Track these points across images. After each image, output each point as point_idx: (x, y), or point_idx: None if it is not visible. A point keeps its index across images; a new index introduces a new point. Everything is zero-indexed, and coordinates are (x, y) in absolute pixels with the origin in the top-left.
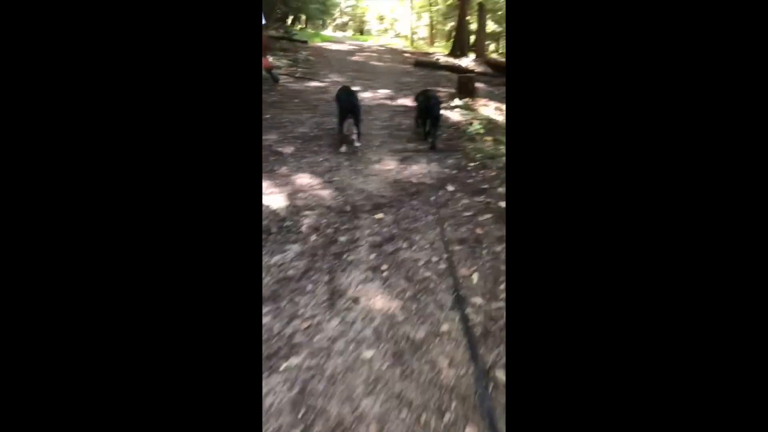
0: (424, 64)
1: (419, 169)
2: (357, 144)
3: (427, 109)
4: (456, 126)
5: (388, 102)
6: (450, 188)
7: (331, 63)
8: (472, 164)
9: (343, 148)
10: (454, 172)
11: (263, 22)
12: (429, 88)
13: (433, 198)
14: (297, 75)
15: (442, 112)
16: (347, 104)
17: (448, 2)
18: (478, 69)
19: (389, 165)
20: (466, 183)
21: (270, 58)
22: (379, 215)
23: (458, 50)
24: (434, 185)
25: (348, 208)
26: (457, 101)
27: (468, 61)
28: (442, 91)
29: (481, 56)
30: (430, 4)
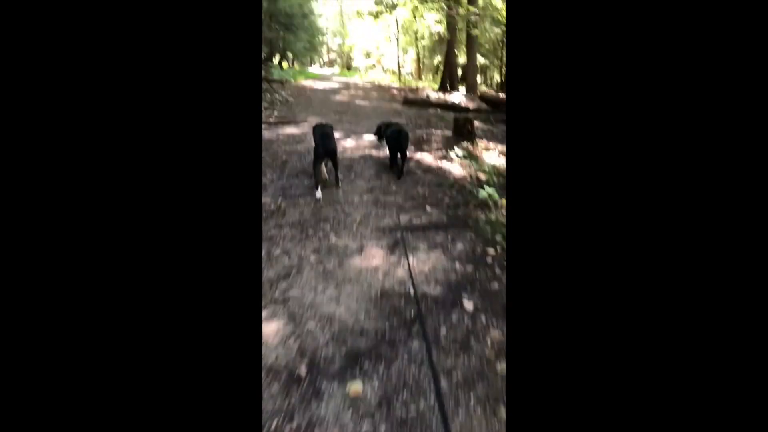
0: (414, 102)
1: (417, 265)
2: (338, 189)
3: (399, 145)
4: (460, 184)
5: (374, 153)
6: (467, 305)
7: (312, 104)
8: (491, 251)
9: (318, 194)
10: (469, 268)
11: None
12: (393, 121)
13: (444, 331)
14: (271, 120)
15: (441, 164)
16: (323, 148)
17: (435, 38)
18: (472, 105)
19: (374, 258)
20: (489, 292)
21: None
22: (355, 387)
23: (447, 84)
24: (442, 298)
25: (303, 369)
26: (456, 151)
27: (459, 96)
28: (437, 134)
29: (473, 90)
30: (416, 39)
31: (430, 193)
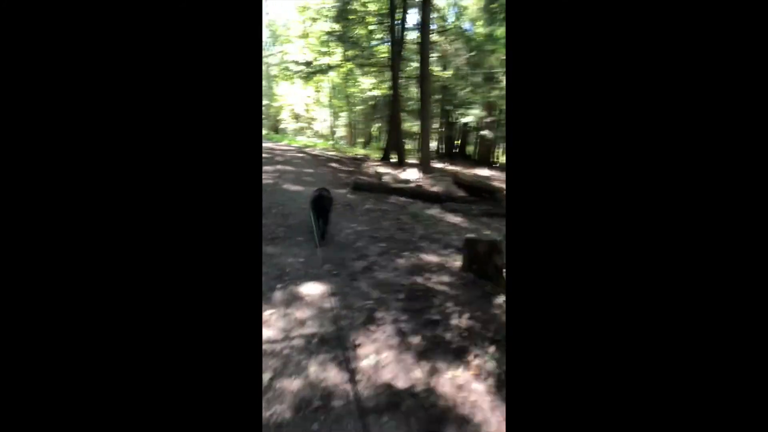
0: (369, 187)
1: None
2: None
3: (320, 208)
4: None
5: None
6: None
7: None
8: None
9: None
10: None
11: None
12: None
13: None
14: None
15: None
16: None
17: (371, 102)
18: (439, 189)
19: None
20: None
21: None
22: None
23: (392, 155)
24: None
25: None
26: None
27: (415, 175)
28: (434, 268)
29: (426, 163)
30: (349, 104)
31: None
